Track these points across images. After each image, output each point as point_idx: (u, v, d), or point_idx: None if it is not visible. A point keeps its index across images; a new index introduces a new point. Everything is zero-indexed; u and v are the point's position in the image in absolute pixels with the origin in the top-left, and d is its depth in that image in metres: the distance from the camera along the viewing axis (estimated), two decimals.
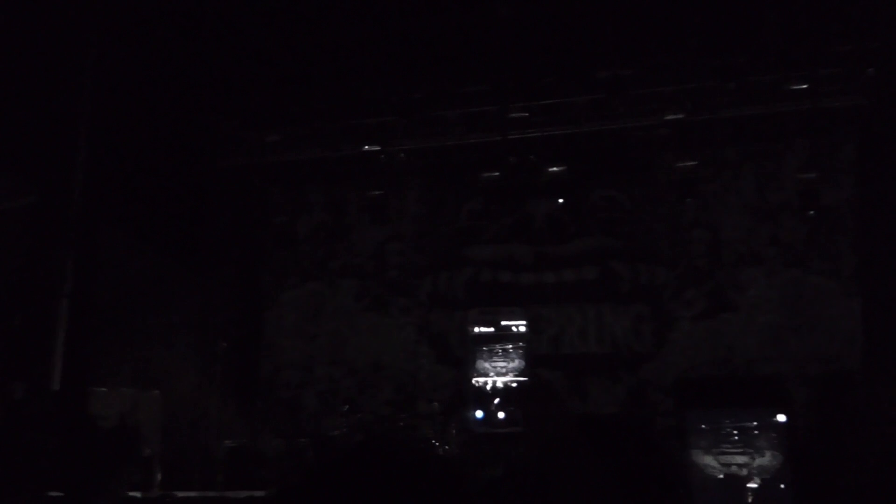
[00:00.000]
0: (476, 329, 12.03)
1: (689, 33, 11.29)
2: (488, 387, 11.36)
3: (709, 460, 7.92)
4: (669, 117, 12.37)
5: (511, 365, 11.64)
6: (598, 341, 13.45)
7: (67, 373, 10.46)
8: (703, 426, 8.18)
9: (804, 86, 11.71)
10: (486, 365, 11.67)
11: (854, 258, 12.55)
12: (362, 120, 13.17)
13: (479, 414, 11.10)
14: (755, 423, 8.08)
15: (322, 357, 14.36)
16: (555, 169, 13.24)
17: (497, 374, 11.55)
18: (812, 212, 12.60)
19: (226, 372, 12.51)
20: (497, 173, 13.41)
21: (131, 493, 9.60)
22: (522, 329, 12.02)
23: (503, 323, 11.98)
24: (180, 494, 9.83)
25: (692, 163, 12.81)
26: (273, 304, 14.83)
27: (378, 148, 13.25)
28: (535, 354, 13.19)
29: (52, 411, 10.14)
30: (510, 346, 11.84)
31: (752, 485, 7.87)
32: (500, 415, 10.99)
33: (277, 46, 11.96)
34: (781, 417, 7.93)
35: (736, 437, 7.98)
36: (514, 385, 11.29)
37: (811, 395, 12.05)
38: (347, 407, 12.54)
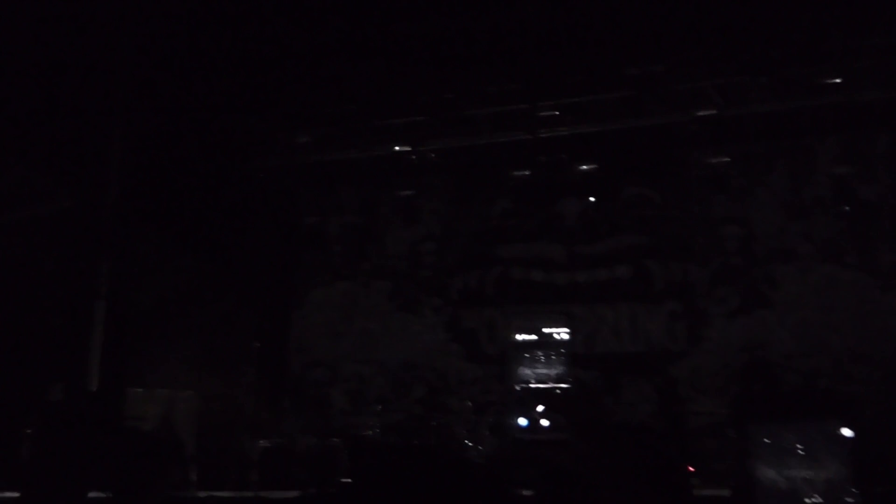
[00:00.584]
0: (518, 336, 12.00)
1: (719, 27, 11.16)
2: (531, 393, 11.30)
3: (772, 474, 7.78)
4: (701, 113, 12.25)
5: (553, 371, 11.57)
6: (632, 340, 13.38)
7: (104, 374, 10.58)
8: (766, 440, 8.02)
9: (837, 79, 11.52)
10: (528, 371, 11.61)
11: (892, 253, 12.38)
12: (393, 120, 13.18)
13: (522, 421, 11.04)
14: (820, 437, 7.91)
15: (352, 356, 14.43)
16: (585, 167, 13.18)
17: (539, 381, 11.48)
18: (847, 207, 12.44)
19: (259, 372, 12.59)
20: (527, 172, 13.36)
21: (168, 495, 9.69)
22: (565, 336, 11.94)
23: (545, 329, 11.92)
24: (215, 494, 9.91)
25: (724, 159, 12.69)
26: (304, 303, 14.92)
27: (408, 148, 13.25)
28: (569, 353, 13.16)
29: (91, 412, 10.26)
30: (552, 352, 11.77)
31: (817, 499, 7.73)
32: (544, 422, 10.92)
33: (309, 47, 11.99)
34: (847, 432, 7.75)
35: (801, 451, 7.82)
36: (558, 392, 11.20)
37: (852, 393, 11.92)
38: (380, 407, 12.57)
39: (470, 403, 12.11)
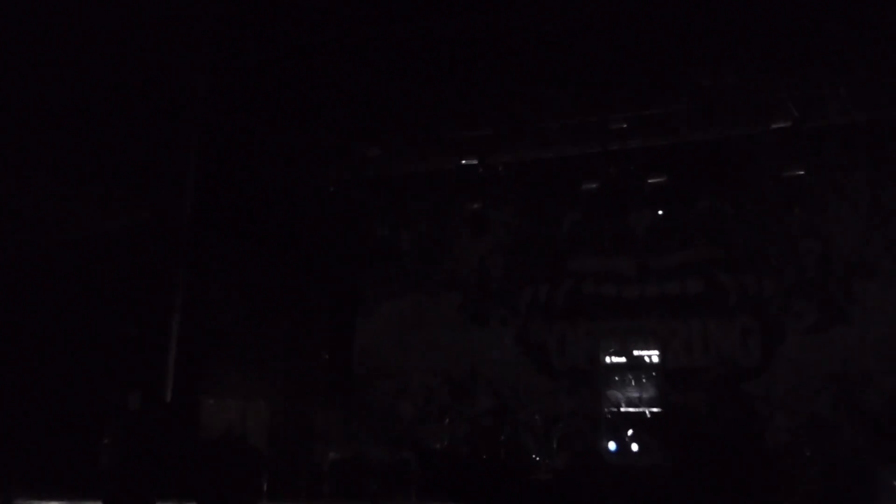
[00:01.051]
0: (608, 359, 11.85)
1: (795, 36, 10.94)
2: (621, 417, 11.14)
3: None
4: (776, 125, 12.00)
5: (644, 395, 11.37)
6: (704, 354, 13.15)
7: (179, 383, 10.77)
8: (887, 482, 7.68)
9: None
10: (618, 394, 11.44)
11: None
12: (462, 132, 13.21)
13: (612, 446, 10.89)
14: None
15: (421, 367, 14.47)
16: (656, 180, 13.02)
17: (629, 405, 11.29)
18: None
19: (328, 383, 12.68)
20: (597, 184, 13.27)
21: None
22: (655, 359, 11.74)
23: (636, 353, 11.74)
24: None
25: (800, 171, 12.42)
26: (373, 314, 15.02)
27: (476, 161, 13.26)
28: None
29: (167, 421, 10.45)
30: (643, 375, 11.57)
31: None
32: (634, 446, 10.76)
33: (379, 61, 12.09)
34: None
35: None
36: (649, 416, 10.99)
37: None
38: (448, 420, 12.57)
39: (538, 417, 12.02)
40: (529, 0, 10.92)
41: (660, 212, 13.50)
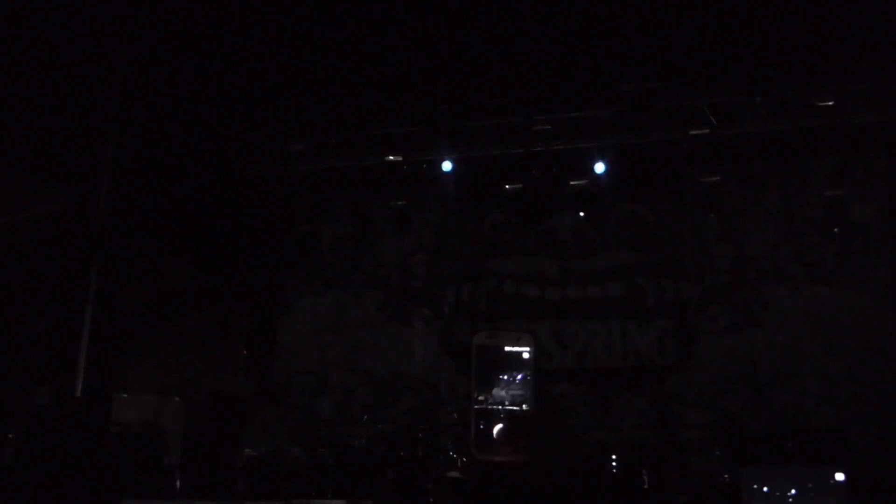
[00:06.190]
0: (480, 353, 11.84)
1: (715, 46, 11.21)
2: (490, 413, 11.14)
3: None
4: (695, 132, 12.29)
5: (514, 393, 11.38)
6: (623, 356, 13.38)
7: (90, 379, 10.50)
8: (756, 486, 7.90)
9: (830, 102, 11.60)
10: (491, 391, 11.45)
11: (885, 274, 12.41)
12: (387, 130, 13.19)
13: (479, 439, 10.89)
14: (812, 483, 7.75)
15: (341, 365, 14.40)
16: (578, 182, 13.21)
17: (498, 402, 11.29)
18: (836, 228, 12.51)
19: (246, 379, 12.53)
20: (520, 185, 13.39)
21: (152, 502, 9.64)
22: (527, 356, 11.73)
23: (507, 349, 11.72)
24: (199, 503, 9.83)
25: (717, 178, 12.74)
26: (293, 311, 14.90)
27: (401, 158, 13.26)
28: (560, 368, 13.16)
29: (76, 417, 10.18)
30: (515, 373, 11.60)
31: None
32: (501, 442, 10.78)
33: (302, 56, 11.99)
34: (840, 476, 7.60)
35: (791, 501, 7.68)
36: (518, 413, 11.02)
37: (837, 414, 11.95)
38: (366, 417, 12.52)
39: (457, 416, 12.06)
40: (457, 1, 10.96)
41: (581, 213, 13.67)
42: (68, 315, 10.53)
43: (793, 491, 7.60)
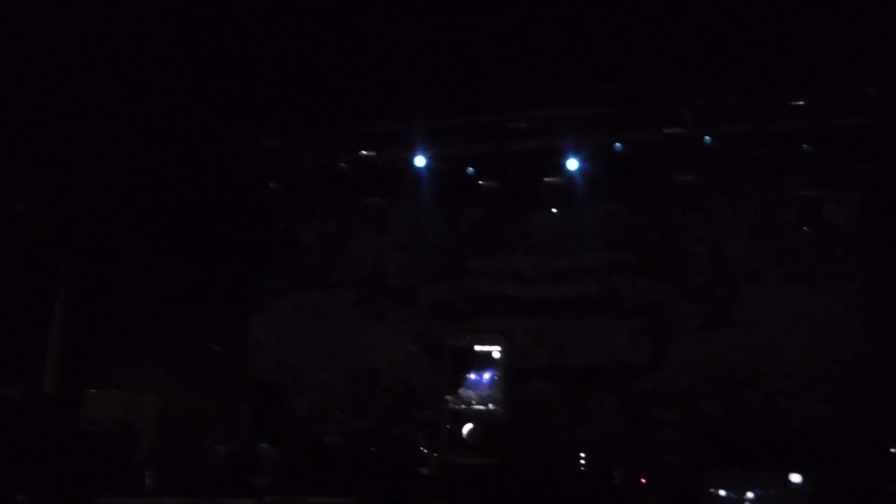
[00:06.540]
0: (453, 354, 11.81)
1: (693, 49, 11.26)
2: (462, 414, 11.09)
3: None
4: (672, 131, 12.33)
5: (486, 394, 11.37)
6: (598, 354, 13.40)
7: (62, 375, 10.44)
8: (713, 490, 7.91)
9: (801, 102, 11.70)
10: (462, 391, 11.43)
11: (859, 274, 12.49)
12: (363, 127, 13.17)
13: (450, 440, 10.81)
14: (774, 487, 7.77)
15: (316, 363, 14.36)
16: (553, 180, 13.23)
17: (469, 403, 11.26)
18: (808, 228, 12.59)
19: (219, 376, 12.47)
20: (496, 183, 13.40)
21: (123, 499, 9.57)
22: (497, 355, 11.69)
23: (478, 348, 11.66)
24: (171, 501, 9.76)
25: (692, 177, 12.80)
26: (269, 309, 14.84)
27: (376, 154, 13.24)
28: (535, 366, 13.17)
29: (47, 413, 10.11)
30: (487, 373, 11.60)
31: None
32: (472, 445, 10.71)
33: (283, 54, 11.95)
34: (796, 478, 7.63)
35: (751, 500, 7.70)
36: (489, 414, 10.96)
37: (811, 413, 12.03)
38: (339, 412, 12.49)
39: (429, 412, 12.03)
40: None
41: (553, 209, 13.66)
42: (39, 311, 10.48)
43: (750, 494, 7.63)
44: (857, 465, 10.14)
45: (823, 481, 8.16)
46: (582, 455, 10.30)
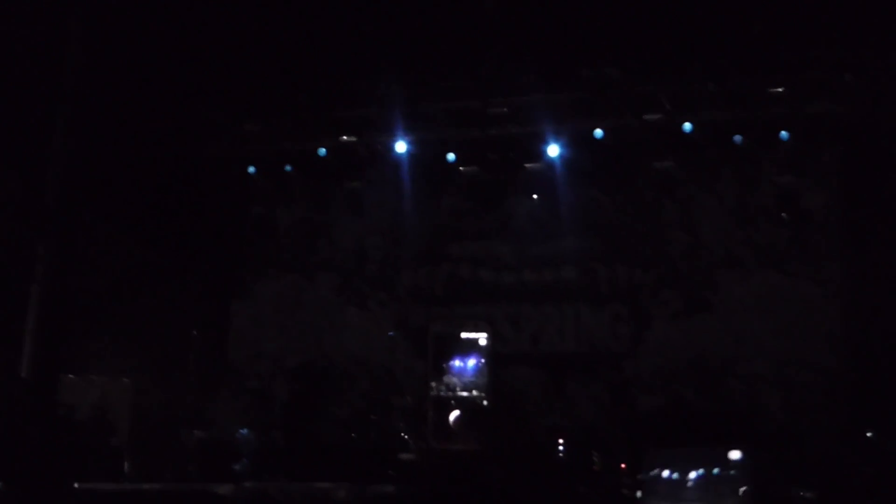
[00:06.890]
0: (437, 341, 11.84)
1: (672, 35, 11.27)
2: (446, 401, 11.15)
3: None
4: (651, 118, 12.36)
5: (470, 381, 11.46)
6: (576, 340, 13.46)
7: (37, 360, 10.35)
8: (655, 471, 7.89)
9: (780, 89, 11.75)
10: (446, 377, 11.50)
11: (835, 261, 12.59)
12: (342, 111, 13.11)
13: (436, 427, 10.86)
14: (717, 464, 7.74)
15: (296, 349, 14.31)
16: (533, 165, 13.23)
17: (454, 390, 11.33)
18: (785, 215, 12.67)
19: (197, 361, 12.43)
20: (476, 168, 13.38)
21: (100, 484, 9.52)
22: (483, 342, 11.76)
23: (464, 336, 11.74)
24: (148, 486, 9.73)
25: (671, 164, 12.85)
26: (249, 294, 14.77)
27: (355, 139, 13.20)
28: (515, 352, 13.19)
29: (24, 399, 10.03)
30: (472, 359, 11.66)
31: None
32: (457, 431, 10.78)
33: (260, 37, 11.87)
34: (736, 455, 7.63)
35: (690, 484, 7.69)
36: (474, 401, 11.05)
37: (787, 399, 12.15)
38: (322, 401, 12.48)
39: (409, 398, 12.06)
40: None
41: (534, 196, 13.66)
42: (14, 296, 10.38)
43: (693, 474, 7.61)
44: (829, 448, 10.25)
45: (765, 457, 8.19)
46: (560, 441, 10.36)
